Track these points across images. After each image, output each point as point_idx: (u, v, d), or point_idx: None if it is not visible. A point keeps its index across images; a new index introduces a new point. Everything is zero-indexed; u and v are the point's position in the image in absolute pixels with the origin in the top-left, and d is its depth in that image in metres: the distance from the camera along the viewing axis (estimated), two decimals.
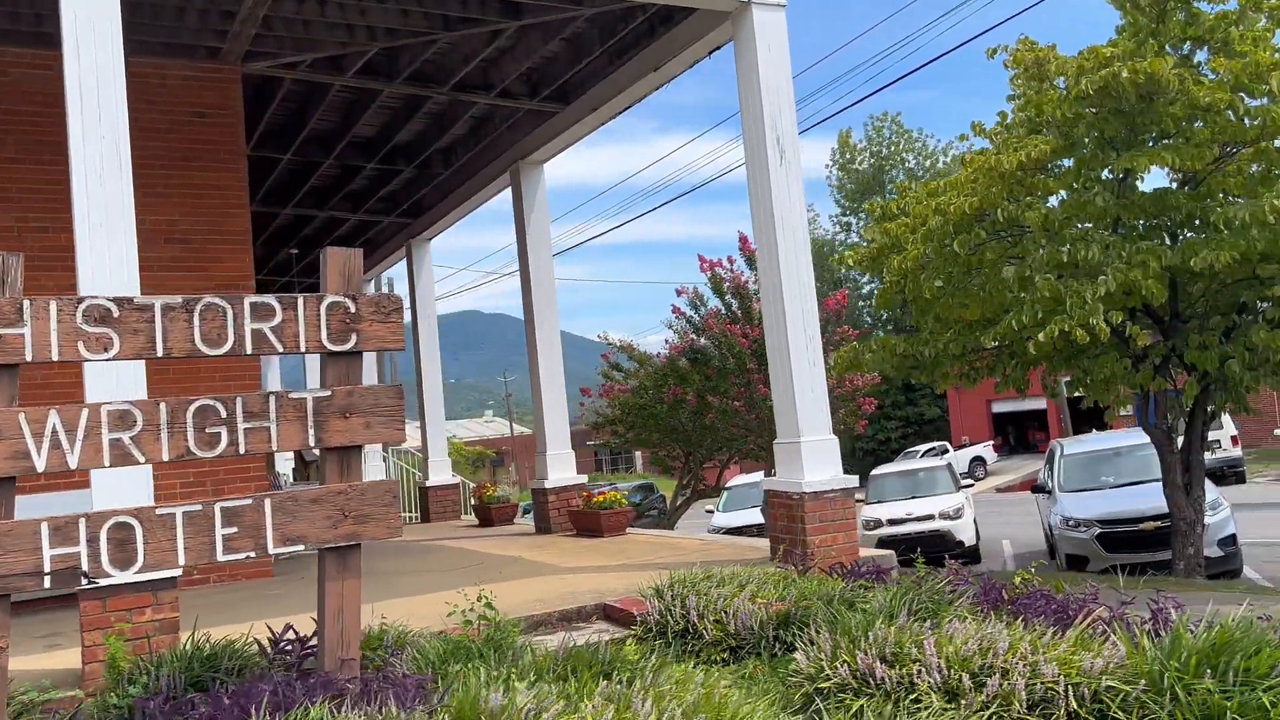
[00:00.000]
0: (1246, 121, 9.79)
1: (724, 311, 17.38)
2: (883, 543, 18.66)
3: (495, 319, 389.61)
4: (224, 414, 4.52)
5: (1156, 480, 15.09)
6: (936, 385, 12.01)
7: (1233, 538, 13.78)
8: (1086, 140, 10.43)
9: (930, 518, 18.88)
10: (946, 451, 42.29)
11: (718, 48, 8.99)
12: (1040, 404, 50.40)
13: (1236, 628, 4.46)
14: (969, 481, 20.77)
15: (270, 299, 4.64)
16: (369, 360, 19.34)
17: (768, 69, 8.12)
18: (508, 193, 12.26)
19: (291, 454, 18.27)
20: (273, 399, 4.63)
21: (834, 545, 7.89)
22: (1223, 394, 11.10)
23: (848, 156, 61.01)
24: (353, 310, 4.78)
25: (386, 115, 11.68)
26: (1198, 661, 4.20)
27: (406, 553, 11.29)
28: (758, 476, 26.78)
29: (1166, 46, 10.84)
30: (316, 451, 16.00)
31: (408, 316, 16.76)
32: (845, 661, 4.80)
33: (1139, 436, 17.07)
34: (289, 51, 9.22)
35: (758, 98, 8.10)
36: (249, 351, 4.60)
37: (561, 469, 12.00)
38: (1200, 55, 11.09)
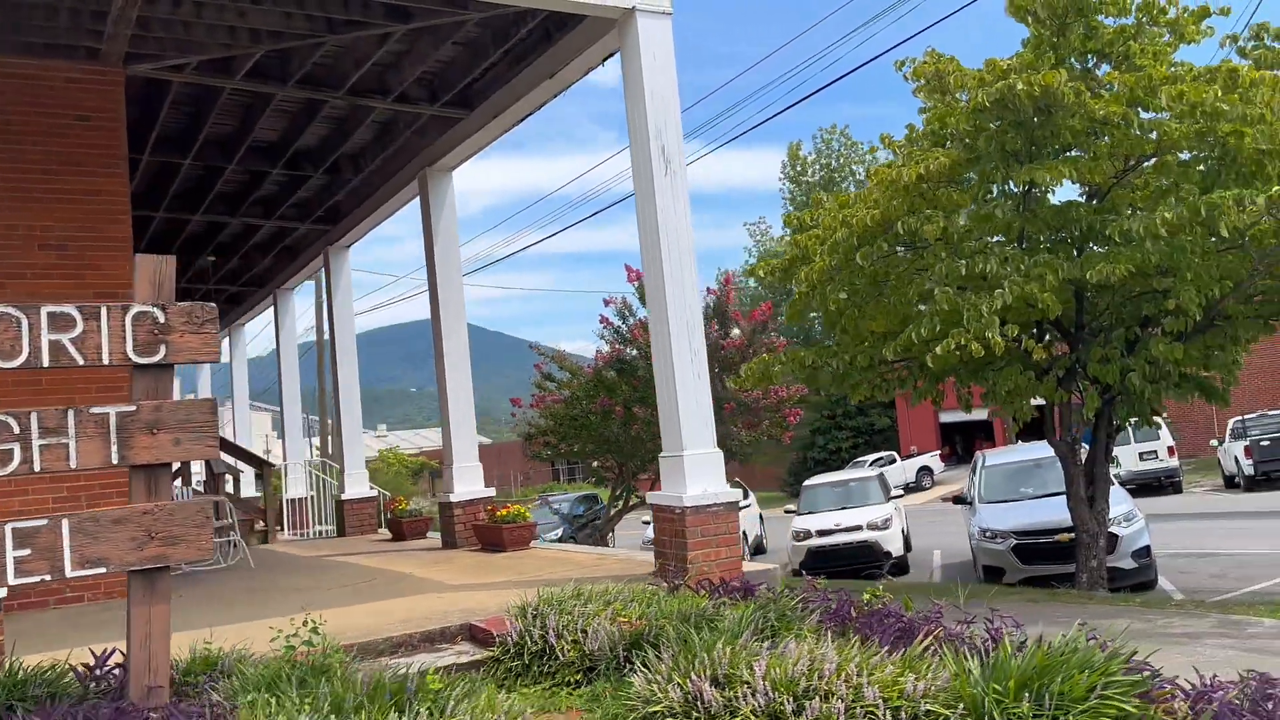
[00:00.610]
0: (1145, 135, 9.84)
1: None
2: (812, 553, 18.66)
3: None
4: (16, 430, 4.30)
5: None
6: (851, 396, 11.96)
7: (1146, 549, 13.85)
8: (989, 153, 10.42)
9: (858, 528, 18.84)
10: (894, 461, 42.54)
11: (610, 55, 8.87)
12: (983, 414, 50.80)
13: (1063, 648, 4.37)
14: (899, 492, 20.79)
15: (70, 308, 4.43)
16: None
17: (653, 78, 8.01)
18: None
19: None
20: (71, 414, 4.41)
21: (716, 560, 7.77)
22: (1126, 407, 11.15)
23: (798, 169, 61.28)
24: (162, 320, 4.57)
25: (285, 119, 11.44)
26: (1018, 685, 4.10)
27: (306, 569, 11.03)
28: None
29: (1070, 59, 10.89)
30: (230, 461, 15.67)
31: (330, 324, 16.46)
32: (678, 684, 4.66)
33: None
34: (172, 53, 8.97)
35: (643, 107, 7.99)
36: (45, 364, 4.37)
37: (468, 482, 11.80)
38: (1105, 69, 11.14)
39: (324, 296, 15.07)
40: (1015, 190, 11.05)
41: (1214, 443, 32.72)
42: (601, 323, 17.62)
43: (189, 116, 11.18)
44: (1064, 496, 15.05)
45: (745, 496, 25.24)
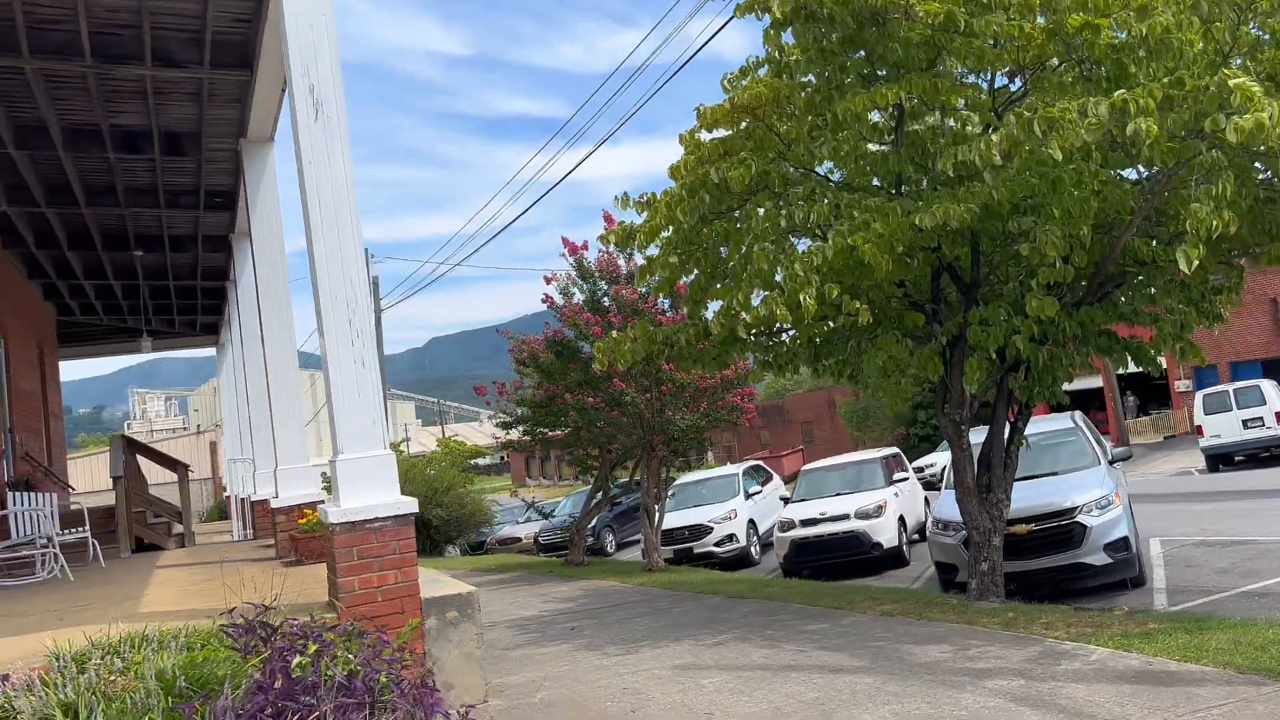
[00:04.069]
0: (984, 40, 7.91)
1: (592, 299, 15.82)
2: (796, 546, 16.97)
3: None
4: None
5: (1064, 473, 13.17)
6: (707, 371, 10.37)
7: (1124, 541, 11.75)
8: (825, 77, 8.65)
9: (845, 517, 17.00)
10: None
11: None
12: (1096, 381, 47.18)
13: None
14: (903, 475, 18.76)
15: None
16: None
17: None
18: None
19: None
20: None
21: (381, 586, 6.40)
22: (1028, 378, 9.17)
23: None
24: None
25: (86, 98, 10.56)
26: None
27: (98, 584, 10.11)
28: (702, 474, 25.12)
29: None
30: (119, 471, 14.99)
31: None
32: None
33: (1060, 422, 15.02)
34: None
35: (282, 30, 6.66)
36: None
37: (295, 485, 10.70)
38: None
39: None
40: (885, 121, 9.26)
41: None
42: (544, 302, 16.26)
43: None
44: (1043, 479, 13.11)
45: (767, 481, 23.52)
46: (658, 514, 16.61)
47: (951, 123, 9.55)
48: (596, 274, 15.85)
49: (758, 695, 6.10)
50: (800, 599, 10.01)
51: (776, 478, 24.33)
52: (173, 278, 18.49)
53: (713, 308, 9.72)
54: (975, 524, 9.19)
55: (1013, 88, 9.36)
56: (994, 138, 7.20)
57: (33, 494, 12.02)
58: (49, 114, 10.74)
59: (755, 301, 8.48)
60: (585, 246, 15.88)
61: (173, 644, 5.43)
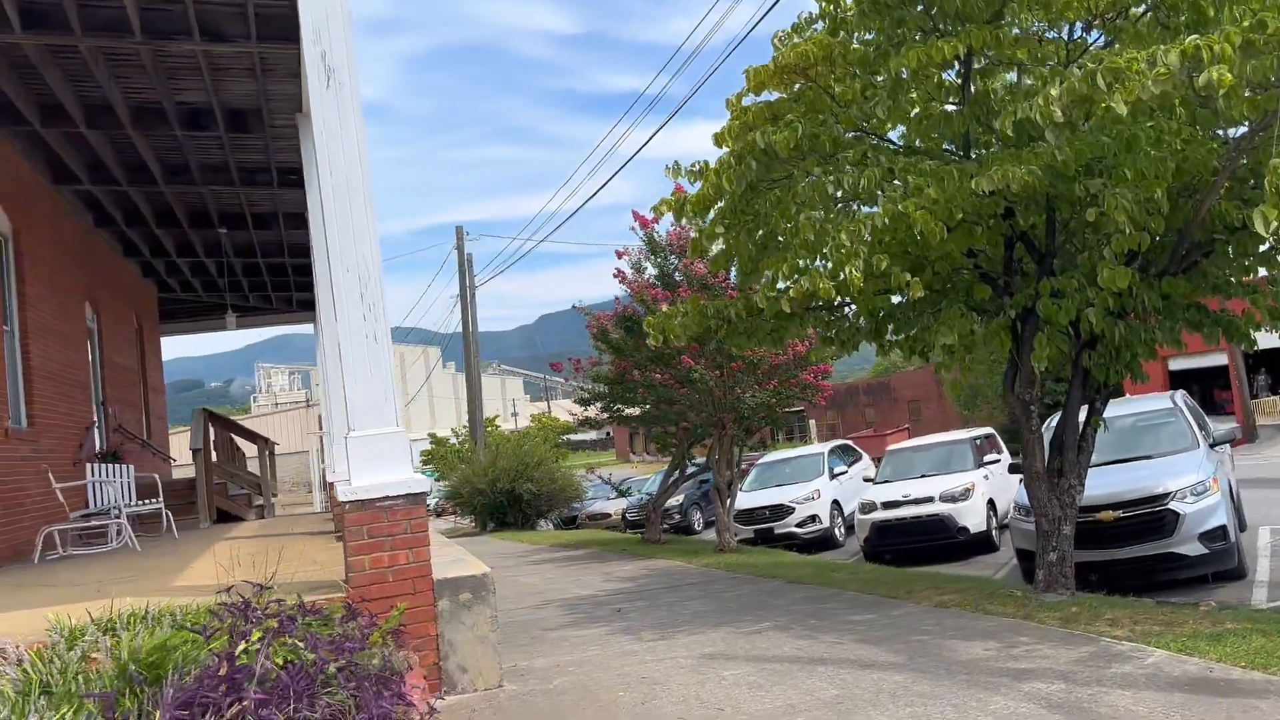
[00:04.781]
0: None
1: (663, 274, 15.48)
2: (876, 529, 16.44)
3: None
4: None
5: (1158, 456, 12.34)
6: (763, 346, 9.95)
7: (1222, 530, 10.96)
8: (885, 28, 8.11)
9: (929, 500, 16.37)
10: None
11: None
12: (1221, 359, 44.79)
13: None
14: (996, 457, 17.93)
15: None
16: None
17: None
18: None
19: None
20: None
21: (392, 566, 6.24)
22: (1106, 356, 8.48)
23: None
24: None
25: (145, 76, 10.67)
26: None
27: (167, 554, 10.29)
28: (787, 452, 24.58)
29: None
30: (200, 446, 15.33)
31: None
32: None
33: (1158, 401, 14.11)
34: None
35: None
36: None
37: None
38: None
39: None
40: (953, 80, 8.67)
41: None
42: (616, 277, 15.99)
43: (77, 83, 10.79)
44: (1137, 462, 12.31)
45: (855, 461, 22.87)
46: (730, 494, 16.22)
47: (1030, 80, 8.90)
48: (667, 248, 15.50)
49: (776, 690, 5.74)
50: (858, 586, 9.56)
51: (866, 457, 23.65)
52: (261, 255, 18.84)
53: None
54: (1044, 511, 8.58)
55: (1091, 40, 8.67)
56: (1053, 92, 6.59)
57: (116, 465, 12.35)
58: (113, 93, 10.92)
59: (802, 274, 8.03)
60: (656, 220, 15.53)
61: (167, 621, 5.37)
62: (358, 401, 6.37)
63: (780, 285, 8.20)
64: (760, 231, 9.23)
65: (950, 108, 8.57)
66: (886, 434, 50.64)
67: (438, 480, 35.54)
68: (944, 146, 9.01)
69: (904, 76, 8.24)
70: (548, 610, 9.94)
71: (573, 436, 55.24)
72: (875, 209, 7.69)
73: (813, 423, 75.15)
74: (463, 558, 7.24)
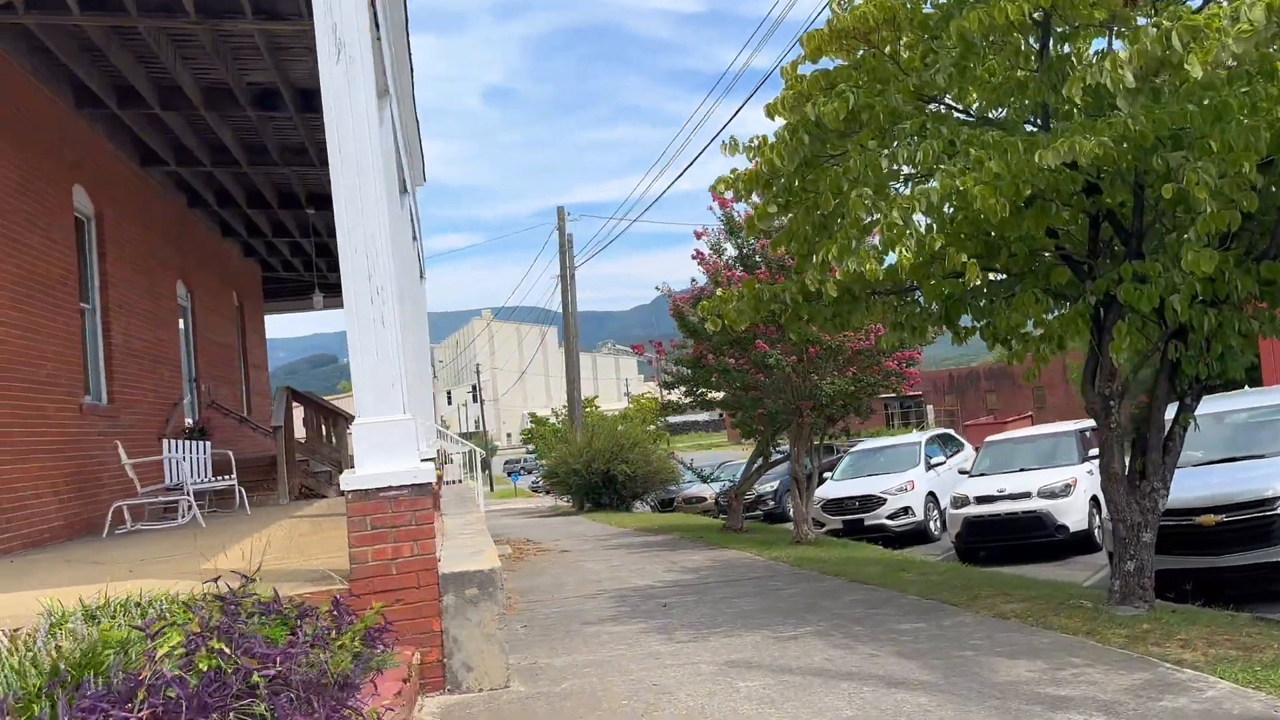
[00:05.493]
0: None
1: (741, 255, 14.98)
2: (968, 525, 15.67)
3: None
4: None
5: (1272, 456, 11.33)
6: (825, 331, 9.43)
7: None
8: None
9: (1026, 496, 15.51)
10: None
11: None
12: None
13: None
14: None
15: None
16: None
17: None
18: None
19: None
20: None
21: (397, 559, 6.03)
22: (1195, 351, 7.66)
23: None
24: None
25: (203, 55, 10.73)
26: None
27: (229, 533, 10.38)
28: (882, 441, 23.74)
29: None
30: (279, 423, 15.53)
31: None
32: None
33: (1272, 396, 13.00)
34: None
35: None
36: None
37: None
38: None
39: None
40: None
41: None
42: (695, 258, 15.55)
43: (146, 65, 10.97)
44: (1248, 462, 11.33)
45: (957, 451, 21.92)
46: (808, 484, 15.66)
47: (1120, 45, 8.12)
48: (745, 228, 14.97)
49: (787, 708, 5.31)
50: (920, 589, 8.98)
51: (969, 448, 22.65)
52: None
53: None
54: (1121, 516, 7.84)
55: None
56: (1122, 55, 5.91)
57: (191, 442, 12.57)
58: (182, 74, 11.02)
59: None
60: (736, 199, 15.00)
61: (151, 611, 5.26)
62: (364, 387, 6.15)
63: (828, 267, 7.66)
64: (820, 211, 8.71)
65: (1025, 74, 7.88)
66: (1008, 421, 48.84)
67: (538, 459, 35.70)
68: (1026, 118, 8.33)
69: (974, 41, 7.60)
70: (597, 601, 9.66)
71: (685, 417, 55.09)
72: (933, 184, 7.08)
73: (930, 408, 73.19)
74: (482, 549, 6.99)
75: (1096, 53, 7.71)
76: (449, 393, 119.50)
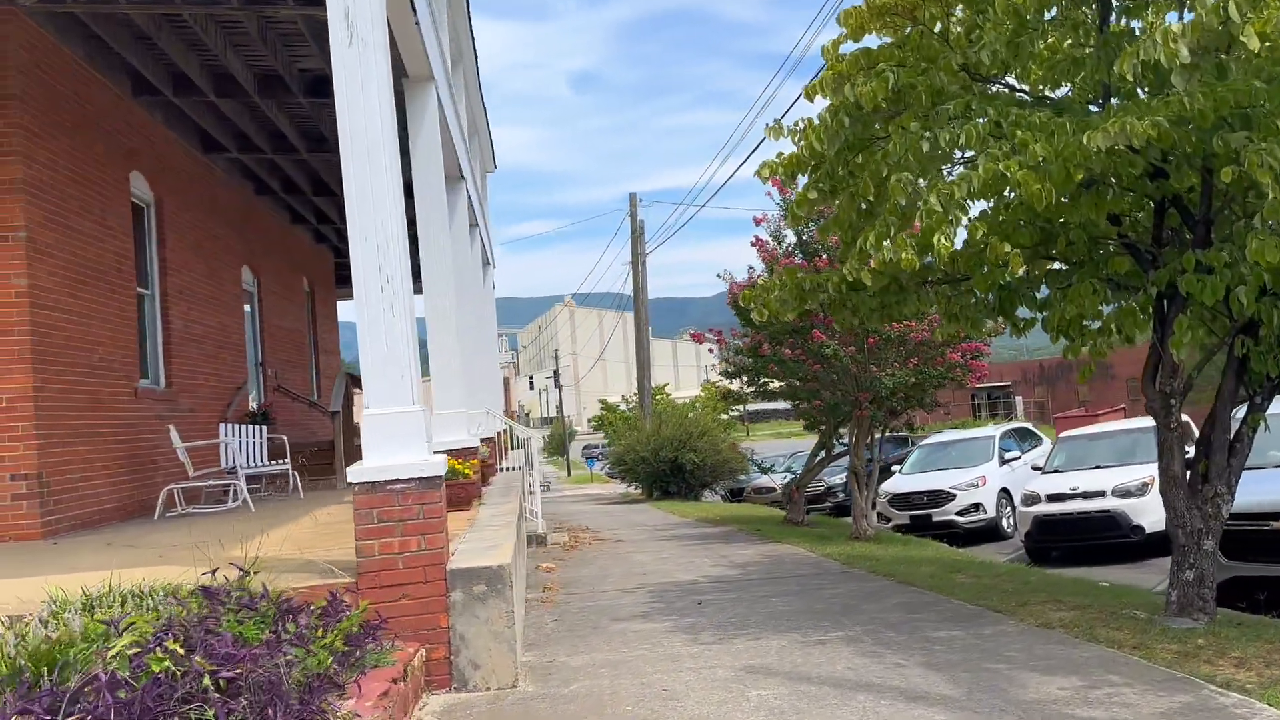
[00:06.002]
0: None
1: (800, 242, 14.59)
2: (1038, 523, 15.11)
3: None
4: None
5: None
6: (869, 321, 9.04)
7: None
8: None
9: (1100, 494, 14.89)
10: None
11: None
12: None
13: None
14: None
15: None
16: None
17: None
18: None
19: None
20: None
21: (404, 553, 5.92)
22: (1265, 346, 7.13)
23: None
24: None
25: (247, 41, 10.75)
26: None
27: (269, 518, 10.44)
28: (955, 434, 23.05)
29: None
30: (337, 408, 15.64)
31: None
32: None
33: None
34: None
35: None
36: None
37: (447, 431, 10.51)
38: None
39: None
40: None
41: None
42: (754, 245, 15.20)
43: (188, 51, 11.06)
44: None
45: (1034, 446, 21.17)
46: (869, 479, 15.22)
47: (1189, 16, 7.59)
48: (787, 216, 14.58)
49: None
50: (969, 593, 8.59)
51: (1047, 443, 21.87)
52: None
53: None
54: (1180, 522, 7.35)
55: None
56: (1175, 28, 5.46)
57: (246, 426, 12.72)
58: (233, 61, 11.06)
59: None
60: (780, 185, 14.61)
61: (147, 602, 5.22)
62: (373, 377, 6.03)
63: (866, 255, 7.31)
64: (864, 197, 8.34)
65: (1081, 51, 7.43)
66: (1100, 413, 47.20)
67: (608, 445, 35.66)
68: (1087, 98, 7.87)
69: (1027, 16, 7.17)
70: (635, 596, 9.48)
71: (764, 405, 54.65)
72: (976, 169, 6.69)
73: (1019, 399, 71.34)
74: (498, 544, 6.84)
75: (1146, 27, 7.18)
76: (530, 378, 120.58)
